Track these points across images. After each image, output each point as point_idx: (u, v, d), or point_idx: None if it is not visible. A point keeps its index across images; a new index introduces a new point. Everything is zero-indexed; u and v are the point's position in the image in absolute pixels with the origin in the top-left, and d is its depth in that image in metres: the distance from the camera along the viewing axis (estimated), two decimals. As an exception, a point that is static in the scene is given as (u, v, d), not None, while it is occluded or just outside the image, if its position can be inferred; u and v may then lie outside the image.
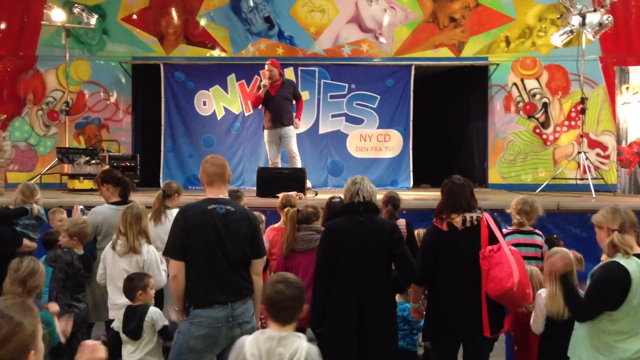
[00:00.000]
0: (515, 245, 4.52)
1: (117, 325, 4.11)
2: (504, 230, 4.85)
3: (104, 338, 4.96)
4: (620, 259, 3.27)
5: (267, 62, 8.48)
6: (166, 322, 4.03)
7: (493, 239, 3.87)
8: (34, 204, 5.09)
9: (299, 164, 8.68)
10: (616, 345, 3.26)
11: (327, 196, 6.55)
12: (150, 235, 4.54)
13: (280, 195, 5.53)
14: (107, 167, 8.49)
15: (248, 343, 2.67)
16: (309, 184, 8.52)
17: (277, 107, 8.43)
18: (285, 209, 4.92)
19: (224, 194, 3.72)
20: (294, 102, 8.73)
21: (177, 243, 3.52)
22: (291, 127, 8.59)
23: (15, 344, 1.75)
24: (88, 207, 5.29)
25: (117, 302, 4.37)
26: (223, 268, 3.51)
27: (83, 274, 4.56)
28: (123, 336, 4.05)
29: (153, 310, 4.06)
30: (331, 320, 3.79)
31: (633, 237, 3.31)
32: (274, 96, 8.39)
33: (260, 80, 8.83)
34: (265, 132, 8.67)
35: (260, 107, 8.68)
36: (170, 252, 3.57)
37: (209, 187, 3.71)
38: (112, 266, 4.41)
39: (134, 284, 4.07)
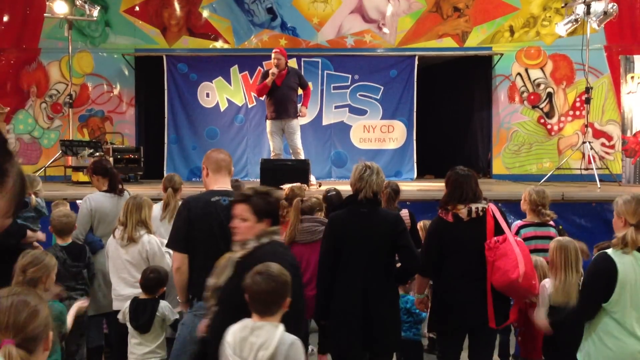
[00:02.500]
0: (531, 238, 4.53)
1: (122, 317, 4.12)
2: (519, 223, 4.86)
3: (105, 330, 4.99)
4: (611, 251, 3.25)
5: (274, 51, 8.30)
6: (177, 316, 4.05)
7: (499, 230, 3.86)
8: (32, 195, 5.10)
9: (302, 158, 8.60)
10: (623, 339, 3.24)
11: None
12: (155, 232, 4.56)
13: (286, 187, 5.52)
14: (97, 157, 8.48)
15: (230, 331, 2.67)
16: (313, 180, 8.41)
17: (283, 97, 8.22)
18: (282, 201, 4.91)
19: (227, 186, 3.71)
20: (299, 91, 8.54)
21: (181, 235, 3.52)
22: (295, 120, 8.38)
23: (36, 324, 1.78)
24: None
25: (122, 293, 4.38)
26: (226, 260, 3.51)
27: (70, 264, 4.54)
28: (130, 329, 4.06)
29: (164, 305, 4.08)
30: (335, 312, 3.79)
31: None
32: (279, 86, 8.17)
33: (264, 70, 8.74)
34: (269, 122, 8.44)
35: (264, 97, 8.54)
36: (173, 244, 3.57)
37: (214, 175, 3.69)
38: (115, 257, 4.42)
39: (162, 278, 4.07)
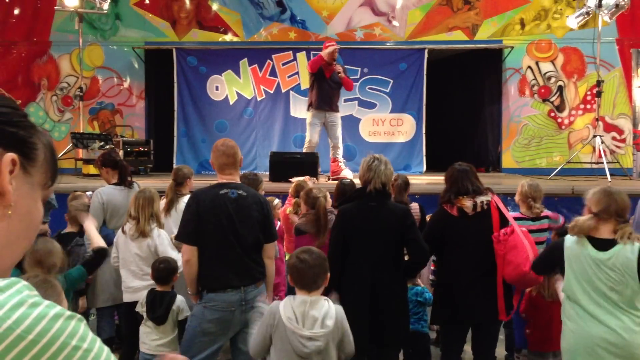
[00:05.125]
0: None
1: (140, 309, 4.16)
2: (512, 215, 4.85)
3: (117, 321, 5.04)
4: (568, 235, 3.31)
5: (334, 44, 8.15)
6: (189, 314, 4.08)
7: (504, 222, 3.87)
8: None
9: (340, 153, 8.47)
10: (580, 324, 3.18)
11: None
12: (163, 224, 4.58)
13: (294, 180, 5.52)
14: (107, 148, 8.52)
15: (282, 307, 2.89)
16: (349, 174, 8.31)
17: (329, 88, 8.16)
18: (306, 201, 4.85)
19: (235, 179, 3.73)
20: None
21: (190, 228, 3.54)
22: (338, 114, 8.37)
23: None
24: None
25: (131, 285, 4.42)
26: (236, 252, 3.53)
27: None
28: (146, 320, 4.10)
29: (180, 299, 4.10)
30: (344, 304, 3.79)
31: (612, 223, 3.16)
32: (327, 78, 8.12)
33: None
34: (312, 112, 8.24)
35: (310, 87, 8.33)
36: (183, 236, 3.59)
37: (220, 173, 3.73)
38: (125, 251, 4.44)
39: (172, 267, 4.10)
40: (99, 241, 3.82)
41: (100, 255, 3.79)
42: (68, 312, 0.85)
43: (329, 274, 3.01)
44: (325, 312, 2.88)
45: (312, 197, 4.54)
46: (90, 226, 4.01)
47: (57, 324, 0.83)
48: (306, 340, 2.82)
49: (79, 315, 0.87)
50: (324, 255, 3.03)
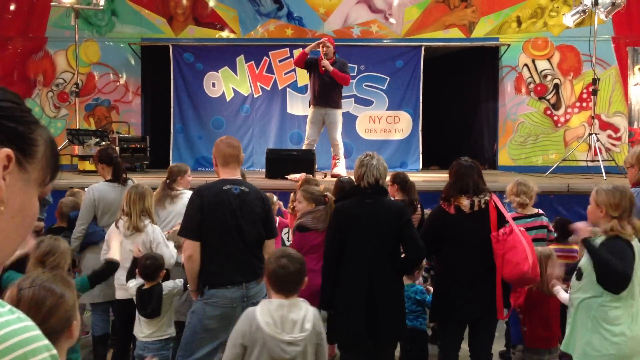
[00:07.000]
0: (526, 229, 4.53)
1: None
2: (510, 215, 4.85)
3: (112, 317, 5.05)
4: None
5: (323, 40, 8.02)
6: (181, 282, 4.08)
7: (501, 221, 3.87)
8: None
9: (341, 153, 8.40)
10: (625, 329, 3.20)
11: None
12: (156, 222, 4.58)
13: (291, 177, 5.53)
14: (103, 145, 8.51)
15: (259, 312, 2.80)
16: (343, 172, 8.23)
17: (325, 85, 8.04)
18: (311, 198, 4.81)
19: (237, 175, 3.74)
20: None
21: (193, 223, 3.54)
22: (337, 111, 8.24)
23: (59, 315, 1.81)
24: None
25: (124, 282, 4.42)
26: (239, 248, 3.54)
27: None
28: (140, 317, 4.11)
29: (166, 285, 4.10)
30: (340, 301, 3.81)
31: (625, 221, 3.23)
32: (323, 74, 8.01)
33: (311, 57, 8.20)
34: (311, 109, 8.24)
35: (309, 84, 8.29)
36: (186, 232, 3.60)
37: (223, 168, 3.71)
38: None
39: (159, 263, 4.10)
40: (114, 254, 3.96)
41: (109, 269, 3.96)
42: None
43: (306, 278, 2.94)
44: (304, 315, 2.81)
45: (318, 194, 4.53)
46: (115, 242, 4.16)
47: None
48: (286, 345, 2.74)
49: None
50: (303, 260, 2.95)
